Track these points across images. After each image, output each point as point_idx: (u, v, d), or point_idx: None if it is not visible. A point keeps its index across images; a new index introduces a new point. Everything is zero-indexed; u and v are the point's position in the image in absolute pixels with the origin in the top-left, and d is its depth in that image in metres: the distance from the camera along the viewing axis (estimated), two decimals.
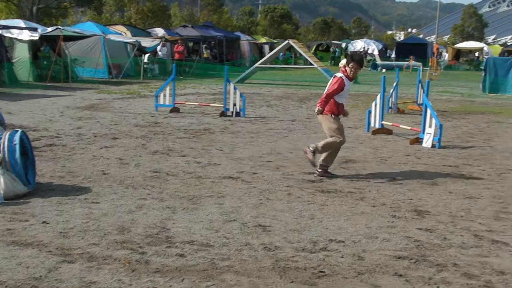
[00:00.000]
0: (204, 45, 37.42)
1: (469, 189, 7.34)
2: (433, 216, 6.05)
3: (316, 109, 7.66)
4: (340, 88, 7.71)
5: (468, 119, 14.84)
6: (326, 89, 7.83)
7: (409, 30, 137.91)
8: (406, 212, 6.17)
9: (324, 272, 4.44)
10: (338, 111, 7.79)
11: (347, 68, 7.85)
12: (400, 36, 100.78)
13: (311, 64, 26.74)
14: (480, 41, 66.34)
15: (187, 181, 7.30)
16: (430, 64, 35.06)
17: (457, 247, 5.11)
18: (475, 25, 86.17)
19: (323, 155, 7.81)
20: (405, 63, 41.11)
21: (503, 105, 19.00)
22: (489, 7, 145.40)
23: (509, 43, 67.61)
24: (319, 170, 7.81)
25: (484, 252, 5.00)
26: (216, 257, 4.69)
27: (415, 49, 46.68)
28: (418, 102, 15.79)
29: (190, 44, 38.34)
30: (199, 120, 13.30)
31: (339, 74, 7.83)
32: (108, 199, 6.34)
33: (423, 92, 12.68)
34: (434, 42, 56.32)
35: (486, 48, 51.96)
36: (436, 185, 7.48)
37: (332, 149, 7.78)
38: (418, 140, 10.70)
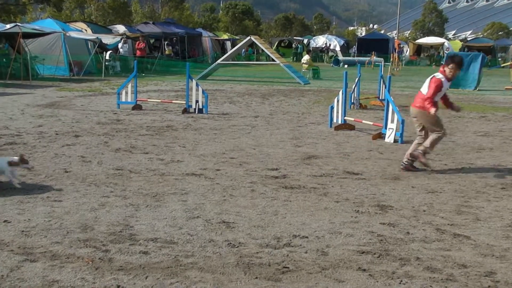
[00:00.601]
0: (166, 42, 37.13)
1: (431, 183, 7.44)
2: (396, 211, 6.10)
3: (432, 110, 7.84)
4: (439, 88, 8.04)
5: None
6: (425, 89, 8.09)
7: (371, 25, 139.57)
8: (369, 207, 6.21)
9: (288, 267, 4.43)
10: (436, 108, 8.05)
11: (446, 69, 8.06)
12: (362, 32, 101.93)
13: (273, 60, 26.78)
14: (441, 37, 67.43)
15: (150, 178, 7.21)
16: (391, 59, 35.56)
17: (419, 241, 5.17)
18: (436, 20, 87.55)
19: (420, 147, 8.26)
20: (367, 58, 41.57)
21: (464, 100, 19.34)
22: (449, 2, 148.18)
23: (469, 38, 68.98)
24: (406, 162, 8.28)
25: (446, 246, 5.06)
26: (180, 254, 4.64)
27: (376, 45, 47.28)
28: (380, 98, 15.95)
29: (152, 41, 38.02)
30: (162, 117, 13.17)
31: (439, 75, 8.08)
32: (71, 197, 6.22)
33: (385, 88, 12.82)
34: (395, 38, 57.07)
35: (446, 43, 52.91)
36: (398, 180, 7.56)
37: (438, 143, 8.31)
38: (380, 135, 10.80)
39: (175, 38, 39.42)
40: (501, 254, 4.89)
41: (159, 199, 6.23)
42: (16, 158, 6.59)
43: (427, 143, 8.19)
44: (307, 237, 5.14)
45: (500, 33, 77.88)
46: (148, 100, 15.53)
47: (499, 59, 48.65)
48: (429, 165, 8.26)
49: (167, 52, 36.26)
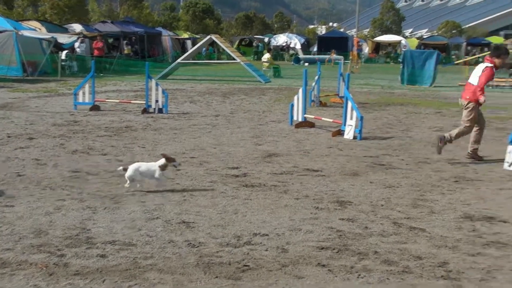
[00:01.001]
0: (125, 41, 36.72)
1: (388, 178, 7.56)
2: (355, 206, 6.18)
3: (482, 99, 8.52)
4: (492, 76, 8.84)
5: (388, 110, 15.30)
6: (475, 79, 8.71)
7: (331, 24, 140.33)
8: (329, 203, 6.27)
9: (248, 266, 4.44)
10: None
11: (495, 60, 8.73)
12: (322, 30, 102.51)
13: (234, 59, 26.77)
14: (398, 35, 68.40)
15: (109, 180, 7.12)
16: (351, 57, 35.96)
17: (377, 235, 5.24)
18: (393, 19, 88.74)
19: (472, 141, 8.93)
20: (327, 56, 41.92)
21: (420, 96, 19.73)
22: (405, 1, 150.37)
23: (425, 36, 70.12)
24: (470, 153, 8.93)
25: (402, 239, 5.15)
26: (138, 256, 4.59)
27: (336, 43, 47.68)
28: (340, 95, 16.12)
29: (110, 40, 37.52)
30: (121, 117, 13.01)
31: (489, 64, 8.72)
32: (24, 201, 6.07)
33: (344, 85, 12.95)
34: (355, 36, 57.66)
35: (403, 41, 53.80)
36: (357, 176, 7.65)
37: (465, 135, 8.89)
38: (340, 132, 10.91)
39: (134, 37, 39.01)
40: (453, 244, 5.02)
41: (117, 201, 6.16)
42: (163, 161, 6.62)
43: (454, 133, 8.83)
44: (267, 235, 5.15)
45: (453, 31, 79.42)
46: (107, 100, 15.33)
47: (453, 57, 49.69)
48: (441, 152, 8.79)
49: (126, 52, 35.87)
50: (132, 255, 4.61)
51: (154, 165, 6.63)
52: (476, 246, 4.99)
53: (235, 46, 52.79)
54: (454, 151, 9.48)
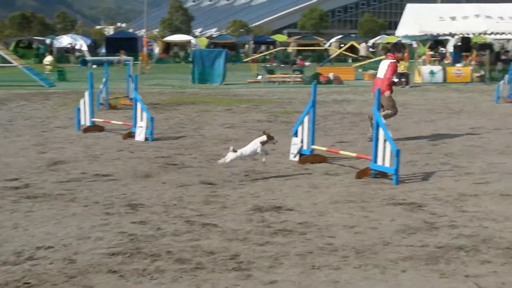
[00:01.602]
0: None
1: (181, 177, 7.56)
2: (147, 208, 6.07)
3: (387, 93, 10.03)
4: (396, 69, 10.54)
5: (180, 110, 15.40)
6: (382, 74, 10.26)
7: (119, 24, 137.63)
8: (120, 207, 6.07)
9: (29, 283, 4.08)
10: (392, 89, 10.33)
11: (397, 55, 10.41)
12: (110, 31, 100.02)
13: (10, 62, 24.81)
14: (188, 34, 69.47)
15: None
16: (141, 58, 35.67)
17: (170, 235, 5.20)
18: (182, 18, 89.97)
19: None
20: (116, 58, 41.03)
21: (211, 94, 20.21)
22: (193, 1, 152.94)
23: (214, 36, 72.18)
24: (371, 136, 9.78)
25: (195, 236, 5.17)
26: None
27: (125, 44, 46.76)
28: (130, 97, 15.83)
29: None
30: None
31: (392, 60, 10.28)
32: None
33: (133, 86, 12.72)
34: (144, 36, 57.26)
35: (193, 40, 54.77)
36: (149, 177, 7.54)
37: (392, 117, 10.41)
38: (131, 135, 10.69)
39: None
40: (244, 237, 5.17)
41: None
42: (264, 137, 7.54)
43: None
44: (52, 247, 4.81)
45: (241, 30, 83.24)
46: None
47: (242, 55, 51.96)
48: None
49: None
50: None
51: (256, 143, 7.55)
52: (265, 236, 5.19)
53: (11, 48, 49.09)
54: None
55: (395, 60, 10.39)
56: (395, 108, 10.48)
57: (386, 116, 10.15)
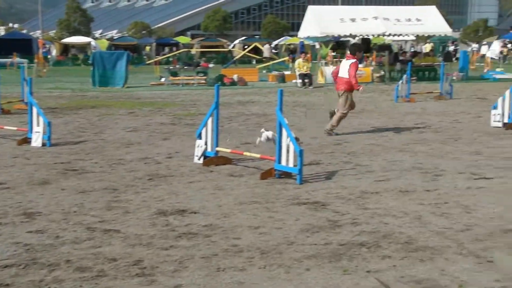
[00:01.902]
0: None
1: (82, 183, 7.31)
2: (45, 216, 5.81)
3: (361, 89, 10.99)
4: (358, 67, 11.24)
5: (80, 114, 14.89)
6: (346, 73, 10.89)
7: (11, 25, 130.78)
8: (14, 216, 5.77)
9: None
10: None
11: (357, 54, 11.31)
12: (1, 32, 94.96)
13: None
14: (88, 36, 67.38)
15: None
16: (36, 60, 34.18)
17: (70, 243, 5.00)
18: (81, 19, 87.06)
19: (334, 121, 11.12)
20: (9, 60, 39.04)
21: (113, 97, 19.69)
22: (92, 2, 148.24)
23: (115, 37, 70.46)
24: (328, 130, 11.08)
25: (97, 243, 5.01)
26: None
27: (18, 45, 44.65)
28: (25, 101, 15.12)
29: None
30: None
31: (353, 60, 10.97)
32: None
33: (28, 90, 12.16)
34: (40, 38, 54.97)
35: (93, 42, 53.15)
36: (47, 184, 7.23)
37: (343, 119, 11.23)
38: (26, 140, 10.20)
39: None
40: (148, 241, 5.07)
41: None
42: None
43: (334, 121, 11.04)
44: None
45: (143, 32, 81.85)
46: None
47: (144, 57, 51.08)
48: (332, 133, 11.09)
49: None
50: None
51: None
52: (169, 240, 5.12)
53: None
54: (147, 150, 9.67)
55: (355, 60, 11.12)
56: (350, 107, 11.24)
57: (338, 121, 11.14)
